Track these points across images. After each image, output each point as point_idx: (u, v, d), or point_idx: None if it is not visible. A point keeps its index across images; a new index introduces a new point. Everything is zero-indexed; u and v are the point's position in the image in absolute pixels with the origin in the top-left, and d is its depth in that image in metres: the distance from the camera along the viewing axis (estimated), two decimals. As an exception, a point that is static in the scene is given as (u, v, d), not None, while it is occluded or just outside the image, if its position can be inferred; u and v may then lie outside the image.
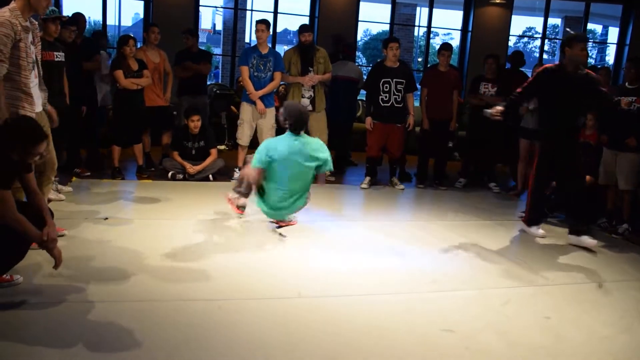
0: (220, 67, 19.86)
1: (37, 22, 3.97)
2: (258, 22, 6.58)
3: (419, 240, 4.82)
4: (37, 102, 3.96)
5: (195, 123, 6.53)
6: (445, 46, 7.25)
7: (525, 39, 31.87)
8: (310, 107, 6.70)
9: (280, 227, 4.79)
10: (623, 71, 11.20)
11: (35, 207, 3.14)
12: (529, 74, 7.42)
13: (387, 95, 6.62)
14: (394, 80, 6.61)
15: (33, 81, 3.87)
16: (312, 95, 6.78)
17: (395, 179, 7.01)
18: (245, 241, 4.39)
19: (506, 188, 7.18)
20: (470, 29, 11.44)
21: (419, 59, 19.55)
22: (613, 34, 18.19)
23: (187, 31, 7.53)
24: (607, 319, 3.38)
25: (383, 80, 6.62)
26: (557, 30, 23.38)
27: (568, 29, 18.77)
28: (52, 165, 4.19)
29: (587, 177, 5.62)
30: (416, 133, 7.53)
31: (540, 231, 5.18)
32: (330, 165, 4.95)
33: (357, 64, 8.17)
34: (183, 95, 7.38)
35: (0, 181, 2.91)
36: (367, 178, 6.90)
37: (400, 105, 6.68)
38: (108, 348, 2.62)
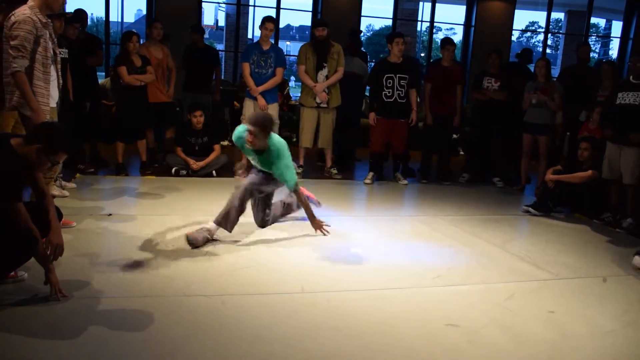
0: (223, 63, 19.85)
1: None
2: (267, 21, 6.57)
3: (422, 235, 4.82)
4: (53, 97, 4.09)
5: (197, 118, 6.54)
6: (449, 41, 7.23)
7: (529, 34, 31.77)
8: (324, 104, 6.72)
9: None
10: (627, 65, 11.18)
11: (42, 209, 3.10)
12: (532, 69, 7.42)
13: (391, 90, 6.61)
14: (397, 75, 6.60)
15: (52, 75, 4.05)
16: (327, 90, 6.77)
17: (399, 175, 7.01)
18: (247, 237, 4.39)
19: (510, 183, 7.17)
20: (473, 23, 11.42)
21: (422, 54, 19.45)
22: (616, 27, 18.10)
23: (192, 27, 7.58)
24: (612, 314, 3.38)
25: (386, 75, 6.61)
26: (560, 24, 23.27)
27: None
28: None
29: (591, 171, 5.61)
30: (420, 128, 7.52)
31: None
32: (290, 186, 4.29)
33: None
34: (187, 92, 7.41)
35: (15, 193, 2.87)
36: (371, 173, 6.90)
37: (404, 101, 6.67)
38: (112, 343, 2.63)
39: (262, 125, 4.14)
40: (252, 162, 4.46)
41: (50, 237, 3.00)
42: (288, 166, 4.27)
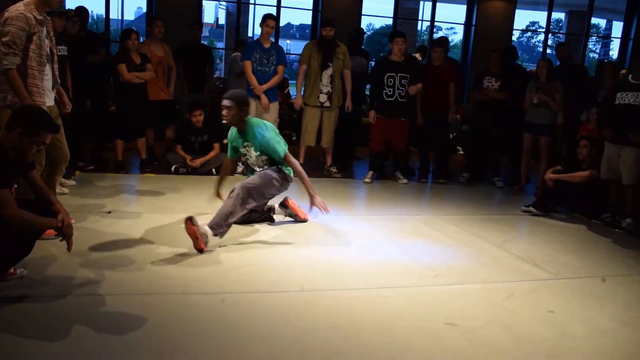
0: (223, 61, 19.82)
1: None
2: (269, 18, 6.57)
3: (422, 234, 4.82)
4: (49, 95, 4.03)
5: (197, 117, 6.54)
6: (438, 42, 7.25)
7: (529, 33, 31.77)
8: (327, 103, 6.72)
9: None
10: (627, 66, 11.19)
11: (43, 200, 3.11)
12: (533, 68, 7.42)
13: (391, 89, 6.60)
14: (399, 74, 6.59)
15: (47, 74, 3.97)
16: (330, 90, 6.77)
17: (399, 174, 7.01)
18: (248, 235, 4.40)
19: (510, 182, 7.17)
20: (474, 23, 11.40)
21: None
22: (617, 28, 18.11)
23: (194, 22, 7.64)
24: (611, 313, 3.38)
25: (387, 74, 6.60)
26: (560, 24, 23.27)
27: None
28: (64, 157, 4.27)
29: (590, 171, 5.61)
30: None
31: None
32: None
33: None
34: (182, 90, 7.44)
35: None
36: (371, 172, 6.90)
37: (404, 100, 6.67)
38: (111, 341, 2.63)
39: (236, 100, 4.39)
40: (247, 158, 4.63)
41: (64, 217, 3.00)
42: (278, 141, 4.46)
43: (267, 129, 4.45)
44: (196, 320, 2.89)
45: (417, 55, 8.42)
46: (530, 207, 5.81)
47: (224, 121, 4.44)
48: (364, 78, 7.56)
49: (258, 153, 4.49)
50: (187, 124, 6.69)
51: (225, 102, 4.39)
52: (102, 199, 5.16)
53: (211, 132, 6.71)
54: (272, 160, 4.49)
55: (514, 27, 11.69)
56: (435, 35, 13.67)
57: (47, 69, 3.96)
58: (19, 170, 3.07)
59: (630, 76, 5.50)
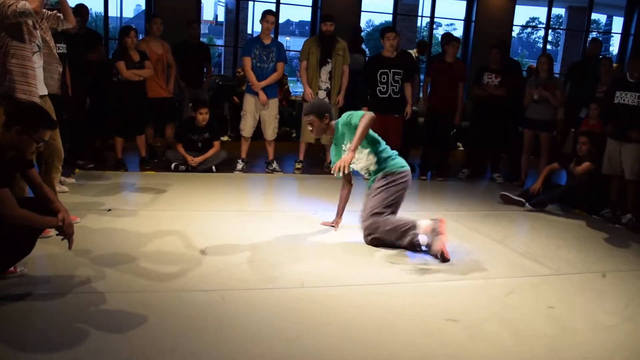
0: (222, 58, 19.81)
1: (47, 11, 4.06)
2: (268, 13, 6.55)
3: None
4: (40, 86, 4.01)
5: (203, 116, 6.52)
6: (455, 38, 7.20)
7: (529, 29, 31.73)
8: (326, 99, 6.71)
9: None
10: (626, 64, 11.20)
11: (43, 199, 3.10)
12: (534, 64, 7.40)
13: (385, 86, 6.57)
14: (392, 70, 6.56)
15: (37, 63, 3.97)
16: (329, 87, 6.75)
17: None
18: (247, 232, 4.39)
19: (510, 178, 7.16)
20: (473, 19, 11.37)
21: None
22: (617, 23, 18.09)
23: (190, 19, 7.64)
24: (611, 309, 3.38)
25: (380, 70, 6.56)
26: (560, 20, 23.25)
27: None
28: (58, 154, 4.25)
29: (588, 163, 5.61)
30: (420, 124, 7.50)
31: None
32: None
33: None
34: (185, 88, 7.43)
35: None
36: (370, 169, 6.88)
37: (398, 96, 6.64)
38: (112, 338, 2.63)
39: (314, 111, 4.29)
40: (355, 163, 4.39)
41: (64, 216, 2.99)
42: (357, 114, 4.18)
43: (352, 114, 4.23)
44: (196, 318, 2.89)
45: (414, 52, 8.40)
46: (526, 203, 5.79)
47: (315, 136, 4.30)
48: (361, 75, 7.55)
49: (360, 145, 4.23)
50: (190, 121, 6.68)
51: (307, 119, 4.33)
52: (102, 196, 5.15)
53: (212, 129, 6.70)
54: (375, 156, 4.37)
55: (514, 23, 11.66)
56: (436, 32, 13.66)
57: (37, 57, 3.96)
58: (18, 168, 3.07)
59: (627, 74, 5.51)
